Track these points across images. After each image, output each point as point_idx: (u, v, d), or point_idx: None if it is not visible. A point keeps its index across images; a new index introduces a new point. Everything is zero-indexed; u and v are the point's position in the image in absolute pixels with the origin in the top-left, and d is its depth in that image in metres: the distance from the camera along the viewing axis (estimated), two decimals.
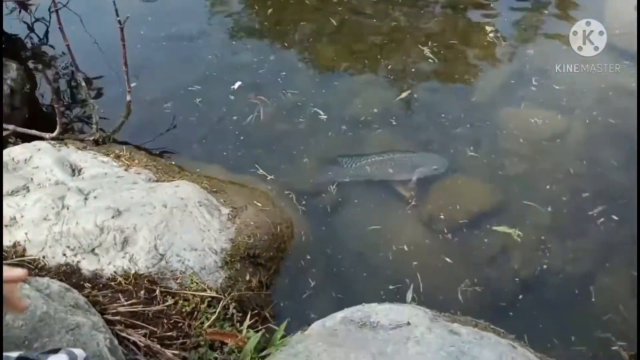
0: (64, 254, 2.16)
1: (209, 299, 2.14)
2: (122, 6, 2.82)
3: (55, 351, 1.37)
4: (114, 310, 1.92)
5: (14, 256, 2.13)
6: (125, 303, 1.96)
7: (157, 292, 2.08)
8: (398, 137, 3.39)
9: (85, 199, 2.42)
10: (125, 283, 2.08)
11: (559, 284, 2.60)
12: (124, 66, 3.00)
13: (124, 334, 1.93)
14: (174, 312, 2.04)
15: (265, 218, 2.68)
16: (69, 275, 2.08)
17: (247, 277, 2.39)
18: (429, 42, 3.95)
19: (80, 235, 2.22)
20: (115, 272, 2.13)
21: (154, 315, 2.01)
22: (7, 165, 2.58)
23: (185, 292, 2.13)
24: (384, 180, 3.11)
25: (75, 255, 2.16)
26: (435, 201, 2.99)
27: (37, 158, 2.65)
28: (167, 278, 2.17)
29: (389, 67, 3.82)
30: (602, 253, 2.69)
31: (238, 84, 3.70)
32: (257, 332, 2.10)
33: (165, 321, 2.01)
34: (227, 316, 2.13)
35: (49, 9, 3.16)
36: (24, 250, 2.17)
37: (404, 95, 3.61)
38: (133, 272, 2.14)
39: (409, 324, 2.01)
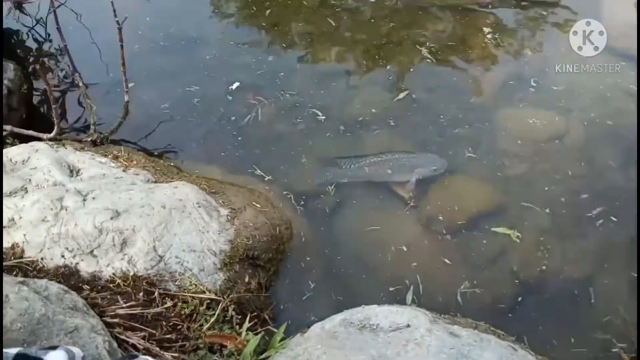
0: (63, 256, 2.15)
1: (208, 301, 2.13)
2: (120, 6, 2.81)
3: (54, 348, 1.36)
4: (113, 313, 1.91)
5: (12, 258, 2.12)
6: (124, 305, 1.95)
7: (156, 294, 2.07)
8: (397, 138, 3.38)
9: (84, 200, 2.40)
10: (124, 285, 2.07)
11: (559, 285, 2.59)
12: (121, 66, 2.99)
13: (122, 337, 1.92)
14: (172, 314, 2.03)
15: (264, 219, 2.67)
16: (68, 277, 2.07)
17: (246, 279, 2.38)
18: (427, 43, 3.95)
19: (79, 237, 2.20)
20: (114, 273, 2.12)
21: (152, 317, 2.00)
22: (5, 166, 2.57)
23: (184, 294, 2.12)
24: (382, 181, 3.10)
25: (73, 256, 2.15)
26: (434, 202, 2.98)
27: (35, 159, 2.64)
28: (165, 280, 2.17)
29: (388, 67, 3.82)
30: (601, 254, 2.69)
31: (236, 84, 3.70)
32: (256, 334, 2.10)
33: (164, 323, 2.00)
34: (227, 318, 2.12)
35: (49, 9, 3.12)
36: (23, 251, 2.16)
37: (402, 95, 3.61)
38: (132, 273, 2.13)
39: (408, 326, 2.01)
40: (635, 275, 2.56)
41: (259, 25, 4.21)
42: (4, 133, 2.97)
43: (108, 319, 1.90)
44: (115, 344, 1.85)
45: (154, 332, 1.99)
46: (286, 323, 2.16)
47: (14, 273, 2.06)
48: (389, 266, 2.70)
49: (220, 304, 2.13)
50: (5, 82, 3.28)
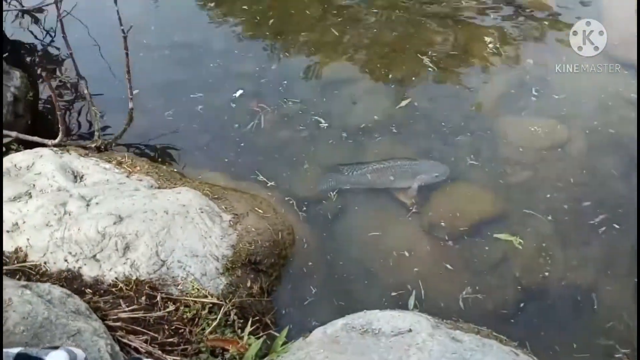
0: (66, 260, 2.16)
1: (210, 305, 2.14)
2: (126, 16, 2.86)
3: (55, 348, 1.37)
4: (115, 316, 1.92)
5: (16, 262, 2.13)
6: (127, 309, 1.96)
7: (159, 298, 2.07)
8: (399, 145, 3.39)
9: (87, 205, 2.42)
10: (126, 289, 2.08)
11: (561, 291, 2.59)
12: (126, 74, 3.02)
13: (125, 340, 1.92)
14: (175, 318, 2.03)
15: (267, 225, 2.68)
16: (70, 281, 2.08)
17: (248, 284, 2.39)
18: (430, 52, 3.97)
19: (82, 241, 2.22)
20: (116, 278, 2.13)
21: (155, 321, 2.00)
22: (10, 172, 2.59)
23: (187, 298, 2.13)
24: (384, 188, 3.11)
25: (76, 261, 2.16)
26: (436, 208, 2.99)
27: (39, 164, 2.66)
28: (168, 284, 2.17)
29: (390, 76, 3.84)
30: (604, 261, 2.68)
31: (240, 92, 3.73)
32: (258, 338, 2.10)
33: (167, 327, 2.01)
34: (228, 322, 2.12)
35: (57, 18, 3.17)
36: (26, 256, 2.17)
37: (404, 103, 3.63)
38: (134, 278, 2.14)
39: (410, 330, 2.01)
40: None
41: (262, 34, 4.24)
42: (9, 139, 2.99)
43: (110, 323, 1.91)
44: (117, 348, 1.85)
45: (156, 335, 1.99)
46: (288, 327, 2.16)
47: (17, 277, 2.07)
48: (391, 271, 2.71)
49: (222, 308, 2.14)
50: (11, 89, 3.32)
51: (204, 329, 2.06)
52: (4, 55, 3.61)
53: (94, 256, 2.19)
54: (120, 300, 2.02)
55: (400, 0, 4.49)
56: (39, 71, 3.91)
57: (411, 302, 2.53)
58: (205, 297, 2.15)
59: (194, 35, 4.25)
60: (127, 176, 2.80)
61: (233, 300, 2.19)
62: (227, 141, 3.42)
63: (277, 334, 2.17)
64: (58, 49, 4.18)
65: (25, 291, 1.76)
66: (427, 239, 2.87)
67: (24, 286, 1.81)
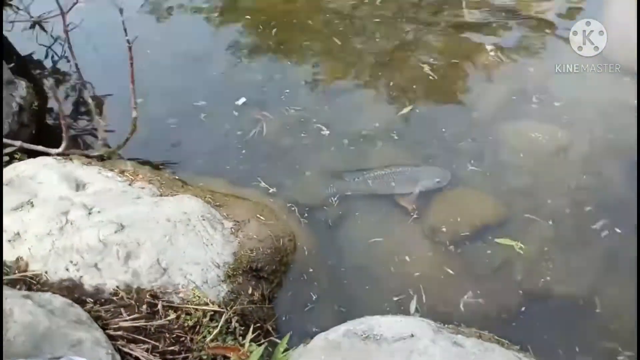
0: (67, 269, 2.17)
1: (212, 312, 2.14)
2: (130, 27, 2.89)
3: (57, 358, 1.37)
4: (116, 325, 1.93)
5: (17, 271, 2.14)
6: (128, 318, 1.97)
7: (159, 306, 2.08)
8: (400, 151, 3.40)
9: (89, 213, 2.43)
10: (127, 298, 2.08)
11: (563, 295, 2.58)
12: (131, 84, 3.05)
13: (126, 349, 1.93)
14: (176, 326, 2.03)
15: (268, 231, 2.68)
16: (71, 290, 2.08)
17: (250, 291, 2.39)
18: (431, 60, 3.99)
19: (83, 250, 2.23)
20: (117, 286, 2.13)
21: (156, 329, 2.00)
22: (13, 181, 2.61)
23: (188, 306, 2.13)
24: (386, 194, 3.11)
25: (77, 270, 2.17)
26: (437, 214, 2.99)
27: (42, 174, 2.68)
28: (169, 292, 2.18)
29: (391, 84, 3.85)
30: (606, 265, 2.67)
31: (242, 100, 3.75)
32: (259, 345, 2.10)
33: (168, 336, 2.01)
34: (230, 330, 2.12)
35: (64, 28, 3.22)
36: (27, 265, 2.18)
37: (405, 110, 3.64)
38: (135, 286, 2.14)
39: (412, 336, 2.00)
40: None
41: (265, 43, 4.28)
42: (14, 148, 3.02)
43: (111, 332, 1.91)
44: (118, 357, 1.86)
45: (157, 344, 1.99)
46: (289, 334, 2.15)
47: (18, 286, 2.08)
48: (392, 276, 2.71)
49: (224, 316, 2.14)
50: (17, 99, 3.35)
51: (205, 337, 2.06)
52: (11, 65, 3.65)
53: (95, 265, 2.20)
54: (121, 309, 2.03)
55: (402, 9, 4.51)
56: (44, 81, 3.95)
57: (412, 306, 2.53)
58: (207, 304, 2.16)
59: (197, 45, 4.28)
60: (130, 184, 2.82)
61: (234, 308, 2.19)
62: (230, 149, 3.44)
63: (278, 341, 2.17)
64: (64, 59, 4.23)
65: (26, 301, 1.77)
66: (428, 244, 2.87)
67: (25, 296, 1.82)
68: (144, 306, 2.09)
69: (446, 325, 2.21)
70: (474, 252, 2.77)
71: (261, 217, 2.77)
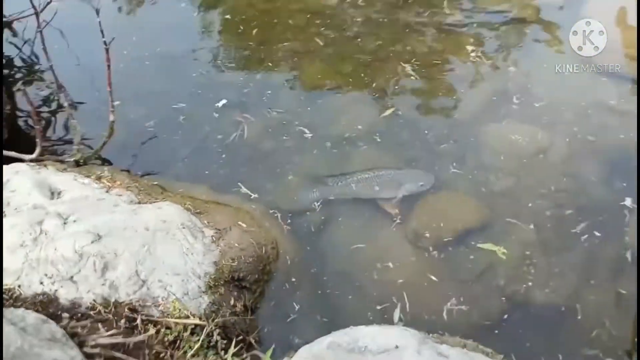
0: (41, 282, 2.10)
1: (193, 326, 2.08)
2: (106, 25, 2.81)
3: None
4: (94, 342, 1.86)
5: None
6: (105, 334, 1.90)
7: (139, 320, 2.02)
8: (383, 154, 3.39)
9: (64, 223, 2.36)
10: (105, 312, 2.02)
11: (545, 301, 2.59)
12: (108, 86, 2.97)
13: None
14: (156, 341, 1.98)
15: (250, 239, 2.64)
16: (46, 305, 2.01)
17: (232, 302, 2.35)
18: (413, 60, 3.98)
19: (59, 262, 2.16)
20: (94, 300, 2.07)
21: (135, 345, 1.94)
22: None
23: (168, 319, 2.08)
24: (369, 198, 3.09)
25: (53, 283, 2.10)
26: (419, 218, 2.98)
27: (15, 181, 2.60)
28: (148, 305, 2.12)
29: (374, 85, 3.83)
30: (586, 270, 2.69)
31: (223, 102, 3.69)
32: None
33: (147, 352, 1.94)
34: (211, 344, 2.07)
35: (37, 29, 3.11)
36: None
37: (388, 112, 3.62)
38: (113, 300, 2.08)
39: (397, 347, 1.98)
40: (622, 290, 2.58)
41: (245, 43, 4.22)
42: None
43: (88, 349, 1.84)
44: None
45: None
46: (272, 347, 2.12)
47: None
48: (376, 284, 2.69)
49: (205, 329, 2.09)
50: None
51: (185, 352, 2.01)
52: None
53: (71, 277, 2.13)
54: (99, 324, 1.96)
55: (383, 10, 4.48)
56: (16, 84, 3.83)
57: (396, 315, 2.52)
58: (187, 317, 2.11)
59: (176, 45, 4.21)
60: (107, 191, 2.75)
61: (216, 321, 2.14)
62: (210, 152, 3.38)
63: (261, 354, 2.13)
64: (37, 60, 4.10)
65: None
66: (411, 250, 2.86)
67: None
68: (123, 320, 2.03)
69: (430, 335, 2.21)
70: (457, 257, 2.77)
71: (243, 224, 2.73)
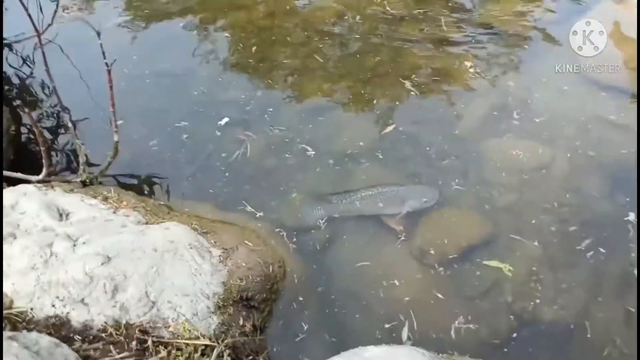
0: (53, 305, 2.11)
1: (203, 347, 2.10)
2: (106, 45, 2.83)
3: None
4: None
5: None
6: (117, 356, 1.91)
7: (149, 342, 2.03)
8: (385, 170, 3.42)
9: (74, 245, 2.38)
10: (116, 334, 2.03)
11: (554, 318, 2.60)
12: (111, 107, 2.99)
13: None
14: None
15: (257, 258, 2.66)
16: (58, 327, 2.02)
17: (241, 322, 2.36)
18: (412, 77, 4.02)
19: (70, 285, 2.17)
20: (105, 322, 2.08)
21: None
22: None
23: (178, 341, 2.08)
24: (373, 215, 3.12)
25: (64, 305, 2.11)
26: (424, 235, 3.00)
27: (24, 203, 2.61)
28: (159, 327, 2.13)
29: (374, 101, 3.87)
30: (594, 287, 2.70)
31: (225, 120, 3.72)
32: None
33: None
34: None
35: (36, 48, 3.13)
36: (12, 302, 2.11)
37: (389, 129, 3.66)
38: (124, 321, 2.09)
39: None
40: (630, 308, 2.59)
41: (246, 61, 4.25)
42: None
43: None
44: None
45: None
46: None
47: (3, 325, 2.01)
48: (382, 302, 2.70)
49: (215, 350, 2.10)
50: None
51: None
52: None
53: (82, 300, 2.14)
54: (111, 346, 1.97)
55: (382, 26, 4.55)
56: (20, 104, 3.85)
57: (404, 334, 2.52)
58: (198, 338, 2.12)
59: (177, 63, 4.23)
60: (114, 212, 2.76)
61: (226, 341, 2.15)
62: (214, 171, 3.40)
63: None
64: (40, 80, 4.13)
65: (12, 343, 1.70)
66: (416, 267, 2.88)
67: (10, 337, 1.75)
68: (134, 342, 2.04)
69: (440, 355, 2.21)
70: (463, 274, 2.79)
71: (249, 243, 2.74)
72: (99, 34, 2.85)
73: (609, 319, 2.57)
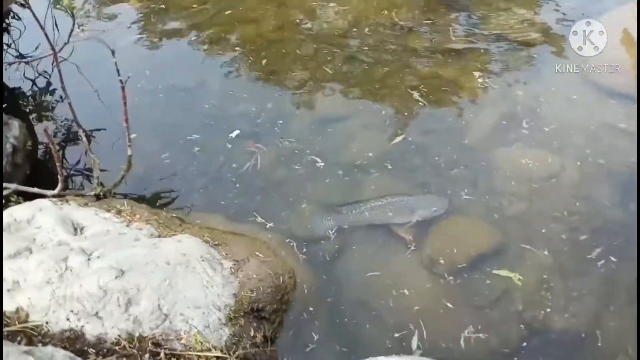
0: (68, 319, 2.16)
1: (214, 358, 2.13)
2: (119, 60, 2.89)
3: None
4: None
5: (17, 322, 2.12)
6: None
7: (162, 355, 2.07)
8: (394, 181, 3.43)
9: (88, 259, 2.43)
10: (129, 347, 2.07)
11: (564, 327, 2.58)
12: (125, 122, 3.06)
13: None
14: None
15: (268, 270, 2.69)
16: (73, 341, 2.07)
17: (252, 333, 2.39)
18: (421, 87, 4.05)
19: (84, 298, 2.22)
20: (119, 335, 2.12)
21: None
22: (10, 227, 2.59)
23: (190, 353, 2.12)
24: (383, 224, 3.13)
25: (79, 319, 2.16)
26: (433, 244, 3.01)
27: (39, 217, 2.67)
28: (171, 339, 2.17)
29: (383, 112, 3.90)
30: (605, 296, 2.69)
31: (236, 132, 3.78)
32: None
33: None
34: None
35: (52, 64, 3.22)
36: (27, 315, 2.17)
37: (398, 139, 3.68)
38: (137, 334, 2.13)
39: None
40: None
41: (256, 74, 4.32)
42: (9, 191, 3.00)
43: None
44: None
45: None
46: None
47: (19, 338, 2.06)
48: (392, 312, 2.71)
49: None
50: (10, 140, 3.34)
51: None
52: (4, 105, 3.65)
53: (96, 313, 2.19)
54: (124, 359, 2.01)
55: (390, 37, 4.59)
56: (36, 119, 3.95)
57: (414, 344, 2.53)
58: (209, 350, 2.15)
59: (188, 77, 4.32)
60: (127, 225, 2.82)
61: (237, 353, 2.18)
62: (225, 182, 3.45)
63: None
64: (55, 96, 4.23)
65: (28, 358, 1.75)
66: (426, 276, 2.88)
67: (26, 352, 1.80)
68: (147, 355, 2.08)
69: None
70: (473, 283, 2.79)
71: (260, 255, 2.77)
72: (113, 52, 2.92)
73: (621, 327, 2.54)
